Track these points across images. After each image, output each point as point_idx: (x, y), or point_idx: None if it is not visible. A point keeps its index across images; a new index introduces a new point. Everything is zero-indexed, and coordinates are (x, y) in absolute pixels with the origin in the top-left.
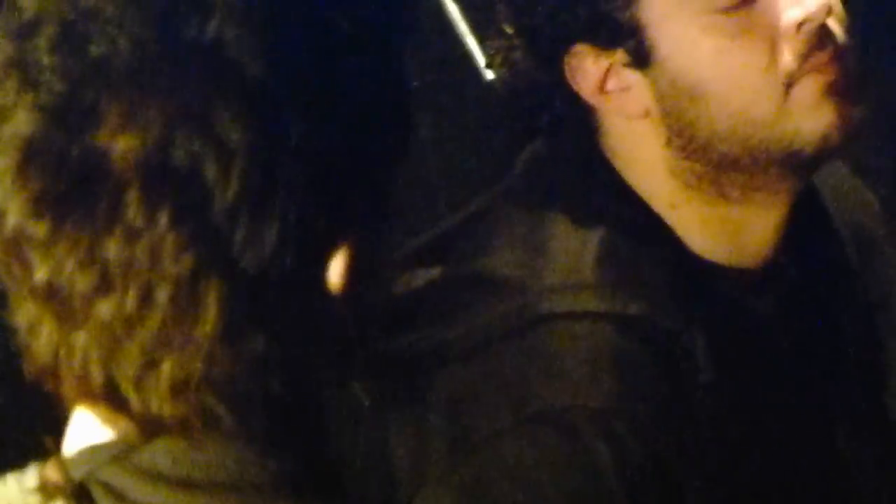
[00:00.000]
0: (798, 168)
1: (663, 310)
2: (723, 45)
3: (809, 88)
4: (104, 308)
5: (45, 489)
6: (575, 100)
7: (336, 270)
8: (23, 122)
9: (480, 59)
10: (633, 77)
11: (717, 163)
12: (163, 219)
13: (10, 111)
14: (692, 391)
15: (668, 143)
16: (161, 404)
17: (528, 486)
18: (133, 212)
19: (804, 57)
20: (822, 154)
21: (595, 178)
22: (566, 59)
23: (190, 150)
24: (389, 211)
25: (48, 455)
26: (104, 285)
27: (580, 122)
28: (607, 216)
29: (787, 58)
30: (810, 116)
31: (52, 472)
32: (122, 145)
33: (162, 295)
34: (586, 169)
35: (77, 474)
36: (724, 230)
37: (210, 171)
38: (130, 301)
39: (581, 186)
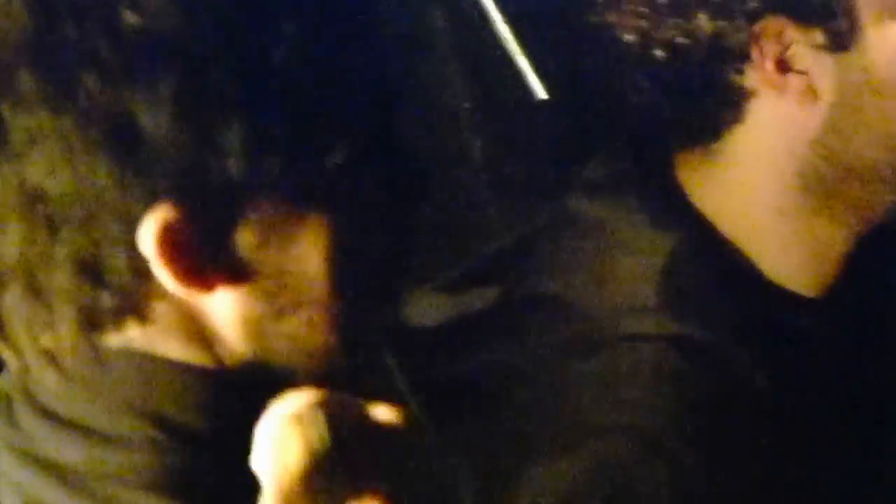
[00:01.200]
0: None
1: (726, 334)
2: None
3: None
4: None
5: None
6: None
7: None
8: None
9: (531, 78)
10: (820, 59)
11: (853, 169)
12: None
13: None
14: (752, 414)
15: (821, 139)
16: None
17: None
18: (76, 144)
19: None
20: None
21: (662, 198)
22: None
23: (127, 101)
24: (381, 198)
25: None
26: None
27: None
28: (673, 238)
29: None
30: None
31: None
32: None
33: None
34: (653, 189)
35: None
36: (804, 247)
37: (144, 118)
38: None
39: (647, 207)
